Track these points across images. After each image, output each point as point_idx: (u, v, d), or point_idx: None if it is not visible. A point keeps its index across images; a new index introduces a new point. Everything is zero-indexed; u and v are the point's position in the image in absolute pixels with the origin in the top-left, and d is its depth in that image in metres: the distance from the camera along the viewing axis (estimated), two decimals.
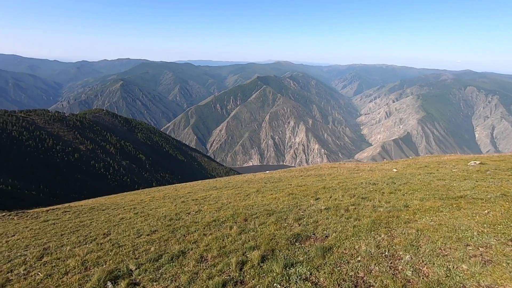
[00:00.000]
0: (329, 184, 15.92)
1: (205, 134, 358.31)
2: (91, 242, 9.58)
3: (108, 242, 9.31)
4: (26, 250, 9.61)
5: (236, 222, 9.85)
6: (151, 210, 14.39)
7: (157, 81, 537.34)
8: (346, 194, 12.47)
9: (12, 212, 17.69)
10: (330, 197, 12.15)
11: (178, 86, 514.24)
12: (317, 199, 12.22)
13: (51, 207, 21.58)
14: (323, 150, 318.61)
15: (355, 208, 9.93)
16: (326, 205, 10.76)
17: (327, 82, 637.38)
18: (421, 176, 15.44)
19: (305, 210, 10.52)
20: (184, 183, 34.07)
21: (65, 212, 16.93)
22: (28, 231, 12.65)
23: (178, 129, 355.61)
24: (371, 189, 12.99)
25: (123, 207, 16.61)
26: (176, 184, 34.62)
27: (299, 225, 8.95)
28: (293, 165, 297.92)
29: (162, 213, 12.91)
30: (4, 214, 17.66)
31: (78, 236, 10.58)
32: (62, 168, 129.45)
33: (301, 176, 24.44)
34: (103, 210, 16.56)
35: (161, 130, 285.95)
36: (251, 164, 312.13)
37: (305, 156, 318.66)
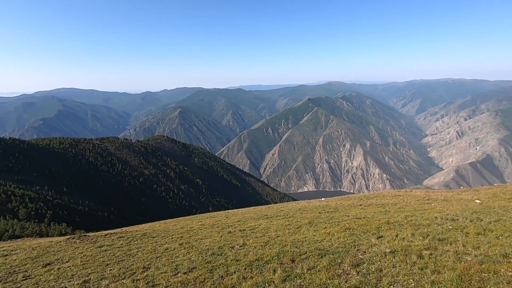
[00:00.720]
0: (394, 218, 14.02)
1: (258, 158, 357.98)
2: (129, 277, 9.35)
3: (143, 279, 8.97)
4: (70, 281, 9.76)
5: (281, 264, 8.86)
6: (196, 240, 13.86)
7: (211, 107, 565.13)
8: (417, 232, 10.60)
9: (76, 235, 18.44)
10: (397, 236, 10.45)
11: (231, 111, 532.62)
12: (380, 237, 10.68)
13: (109, 232, 22.34)
14: (384, 175, 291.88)
15: (431, 254, 8.14)
16: (392, 247, 9.13)
17: (384, 101, 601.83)
18: None
19: (365, 253, 9.09)
20: (237, 210, 33.12)
21: (120, 237, 17.05)
22: (80, 258, 12.86)
23: (232, 154, 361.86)
24: (450, 227, 11.02)
25: (172, 235, 16.18)
26: (229, 211, 33.41)
27: (358, 273, 7.60)
28: (351, 191, 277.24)
29: (206, 246, 12.33)
30: (69, 237, 18.29)
31: (120, 268, 10.40)
32: (129, 191, 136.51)
33: (360, 205, 22.28)
34: (153, 237, 16.31)
35: (216, 154, 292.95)
36: (306, 190, 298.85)
37: (365, 181, 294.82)
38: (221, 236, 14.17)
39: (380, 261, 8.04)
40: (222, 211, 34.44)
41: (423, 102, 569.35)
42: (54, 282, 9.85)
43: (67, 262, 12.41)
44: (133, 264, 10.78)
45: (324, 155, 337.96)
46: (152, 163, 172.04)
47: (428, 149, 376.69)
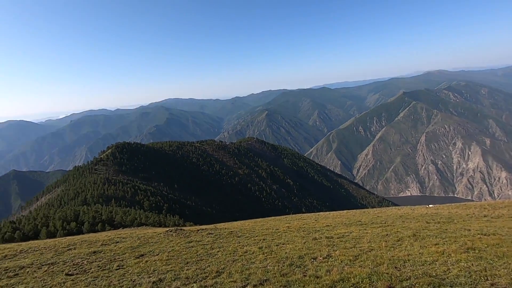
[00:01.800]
0: None
1: (349, 158, 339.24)
2: (200, 281, 9.00)
3: (211, 286, 8.41)
4: (150, 277, 9.85)
5: (383, 285, 6.62)
6: (277, 245, 12.74)
7: (296, 108, 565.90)
8: None
9: (173, 229, 19.07)
10: None
11: (317, 111, 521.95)
12: None
13: (202, 227, 22.44)
14: None
15: None
16: None
17: (507, 88, 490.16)
18: None
19: None
20: (328, 212, 30.99)
21: (209, 234, 17.08)
22: (168, 252, 13.15)
23: (321, 154, 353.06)
24: None
25: (256, 236, 15.40)
26: (320, 213, 31.23)
27: None
28: (469, 197, 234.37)
29: (286, 253, 11.02)
30: (168, 230, 18.91)
31: (196, 269, 10.18)
32: (227, 189, 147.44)
33: (485, 216, 17.99)
34: (238, 237, 15.76)
35: (305, 155, 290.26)
36: (409, 194, 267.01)
37: (487, 186, 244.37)
38: (305, 242, 12.70)
39: None
40: (312, 213, 32.49)
41: None
42: (136, 275, 10.11)
43: (156, 255, 12.81)
44: (209, 266, 10.49)
45: (429, 155, 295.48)
46: (245, 164, 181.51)
47: None
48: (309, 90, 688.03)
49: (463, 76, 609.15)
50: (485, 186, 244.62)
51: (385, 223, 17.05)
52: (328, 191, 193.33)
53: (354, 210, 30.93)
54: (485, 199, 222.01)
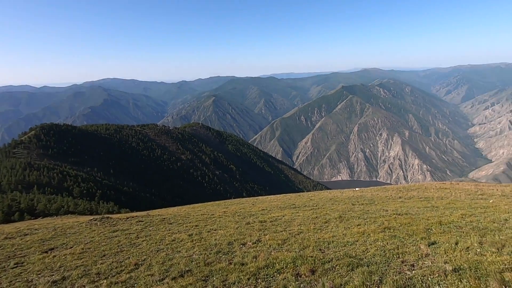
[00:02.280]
0: (446, 217, 11.07)
1: (290, 146, 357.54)
2: (112, 276, 8.15)
3: (122, 283, 7.64)
4: (52, 275, 8.73)
5: (297, 275, 6.68)
6: (209, 231, 12.29)
7: (244, 95, 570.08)
8: (486, 241, 7.51)
9: (98, 217, 17.91)
10: (457, 245, 7.45)
11: (263, 100, 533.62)
12: (433, 244, 7.85)
13: (133, 214, 21.44)
14: (425, 166, 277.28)
15: None
16: (454, 263, 6.21)
17: (426, 88, 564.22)
18: None
19: (413, 267, 6.42)
20: (266, 197, 31.67)
21: (139, 222, 16.15)
22: (84, 244, 12.07)
23: (264, 141, 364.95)
24: None
25: (189, 223, 14.75)
26: (258, 197, 31.80)
27: None
28: (388, 181, 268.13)
29: (215, 240, 10.73)
30: (92, 219, 17.63)
31: (112, 263, 9.31)
32: (168, 175, 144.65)
33: (400, 198, 19.55)
34: (170, 223, 15.04)
35: (249, 142, 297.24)
36: (340, 179, 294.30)
37: (403, 172, 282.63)
38: (237, 227, 12.40)
39: (440, 284, 5.44)
40: (252, 198, 33.14)
41: (470, 89, 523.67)
42: (36, 274, 8.95)
43: (69, 248, 11.58)
44: (128, 258, 9.59)
45: (359, 144, 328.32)
46: (189, 149, 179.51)
47: (475, 140, 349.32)
48: (257, 79, 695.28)
49: (392, 74, 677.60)
50: (401, 171, 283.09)
51: (316, 205, 17.68)
52: (268, 176, 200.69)
53: (291, 194, 31.99)
54: (400, 183, 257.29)
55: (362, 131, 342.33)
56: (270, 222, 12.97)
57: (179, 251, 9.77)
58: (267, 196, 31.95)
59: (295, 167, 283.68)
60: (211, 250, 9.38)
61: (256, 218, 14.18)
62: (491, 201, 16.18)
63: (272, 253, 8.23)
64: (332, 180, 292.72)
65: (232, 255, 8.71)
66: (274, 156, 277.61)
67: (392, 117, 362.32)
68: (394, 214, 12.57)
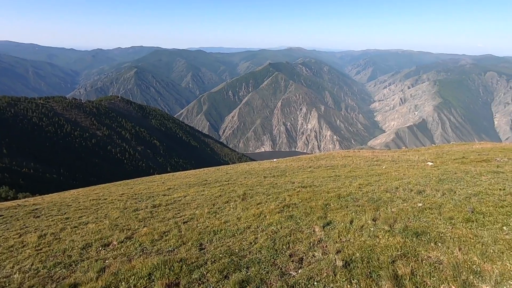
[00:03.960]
0: (346, 188, 11.36)
1: (217, 120, 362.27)
2: None
3: None
4: None
5: (162, 285, 5.20)
6: (76, 226, 10.13)
7: (170, 68, 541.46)
8: (379, 216, 7.36)
9: None
10: (351, 223, 7.16)
11: (191, 73, 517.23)
12: (328, 224, 7.38)
13: (14, 203, 18.35)
14: (335, 137, 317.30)
15: (413, 274, 4.67)
16: (346, 253, 5.61)
17: (341, 68, 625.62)
18: (487, 178, 10.95)
19: (301, 262, 5.59)
20: (183, 172, 31.05)
21: (31, 212, 13.82)
22: None
23: (191, 116, 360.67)
24: (421, 205, 8.04)
25: (63, 214, 12.73)
26: (175, 173, 30.38)
27: None
28: (305, 151, 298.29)
29: (71, 242, 8.40)
30: None
31: None
32: (80, 153, 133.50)
33: (309, 167, 20.71)
34: (37, 217, 12.68)
35: (175, 116, 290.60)
36: (263, 150, 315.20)
37: (317, 142, 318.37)
38: (118, 217, 10.66)
39: (329, 285, 4.74)
40: (168, 174, 32.08)
41: (374, 71, 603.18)
42: None
43: None
44: None
45: (282, 118, 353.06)
46: (106, 124, 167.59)
47: (375, 114, 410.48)
48: (185, 51, 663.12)
49: (314, 54, 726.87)
50: (316, 142, 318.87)
51: (228, 180, 17.43)
52: (194, 151, 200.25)
53: (210, 168, 31.17)
54: (315, 152, 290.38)
55: (285, 106, 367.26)
56: (165, 206, 11.86)
57: (4, 267, 7.13)
58: (184, 172, 31.09)
59: (221, 140, 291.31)
60: (50, 261, 7.11)
61: (153, 201, 13.03)
62: (384, 167, 17.30)
63: (132, 262, 6.36)
64: (256, 151, 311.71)
65: (72, 269, 6.58)
66: (200, 130, 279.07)
67: (312, 93, 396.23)
68: (299, 187, 12.71)
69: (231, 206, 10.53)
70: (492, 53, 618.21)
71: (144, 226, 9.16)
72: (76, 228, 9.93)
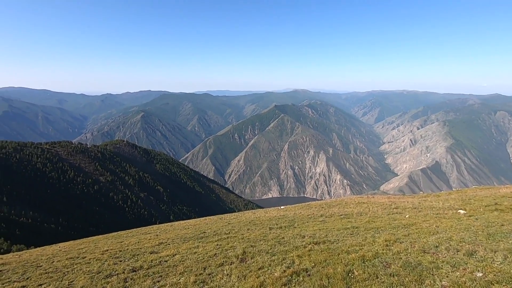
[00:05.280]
0: (369, 246, 9.14)
1: (223, 164, 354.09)
2: None
3: None
4: None
5: None
6: None
7: (176, 112, 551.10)
8: None
9: None
10: None
11: (197, 117, 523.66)
12: None
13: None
14: (345, 181, 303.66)
15: None
16: None
17: (347, 109, 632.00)
18: None
19: None
20: (181, 222, 29.46)
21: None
22: None
23: (196, 160, 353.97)
24: (485, 280, 5.76)
25: (36, 276, 11.69)
26: (173, 223, 29.21)
27: None
28: (314, 197, 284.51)
29: None
30: None
31: None
32: (81, 200, 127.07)
33: (321, 216, 18.90)
34: (13, 274, 12.51)
35: (180, 160, 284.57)
36: (270, 196, 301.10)
37: (327, 187, 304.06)
38: (88, 285, 9.57)
39: None
40: (164, 224, 30.61)
41: (381, 112, 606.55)
42: None
43: None
44: None
45: (289, 161, 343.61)
46: (109, 170, 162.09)
47: (385, 156, 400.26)
48: (192, 95, 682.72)
49: (319, 96, 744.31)
50: (326, 186, 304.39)
51: (229, 233, 15.88)
52: (199, 197, 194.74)
53: (212, 217, 30.10)
54: (324, 198, 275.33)
55: (292, 148, 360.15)
56: (146, 269, 10.31)
57: None
58: (184, 221, 29.86)
59: (227, 185, 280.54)
60: None
61: (135, 262, 11.61)
62: (407, 216, 15.50)
63: None
64: (263, 198, 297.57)
65: None
66: (206, 175, 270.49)
67: (319, 135, 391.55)
68: (310, 243, 10.76)
69: (225, 271, 8.85)
70: (499, 92, 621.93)
71: None
72: None
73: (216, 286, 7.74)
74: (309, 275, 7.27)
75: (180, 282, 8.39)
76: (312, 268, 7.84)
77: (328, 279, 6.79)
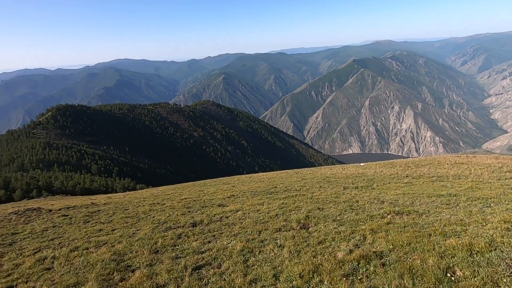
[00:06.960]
0: (479, 228, 6.30)
1: (301, 121, 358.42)
2: None
3: None
4: None
5: None
6: (99, 243, 8.80)
7: (254, 72, 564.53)
8: None
9: (21, 210, 15.42)
10: None
11: (273, 76, 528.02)
12: None
13: (72, 203, 18.21)
14: (437, 138, 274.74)
15: None
16: None
17: (440, 59, 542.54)
18: None
19: None
20: (258, 174, 28.78)
21: (63, 216, 13.55)
22: None
23: (275, 117, 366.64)
24: None
25: (118, 219, 12.00)
26: (250, 175, 28.45)
27: None
28: (399, 154, 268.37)
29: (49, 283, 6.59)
30: (13, 212, 15.11)
31: None
32: (182, 151, 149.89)
33: (407, 177, 15.83)
34: (86, 222, 12.19)
35: (260, 118, 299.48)
36: (351, 152, 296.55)
37: (415, 144, 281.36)
38: (138, 239, 8.73)
39: None
40: (246, 175, 29.46)
41: (487, 59, 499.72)
42: None
43: None
44: None
45: (371, 117, 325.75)
46: (201, 126, 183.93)
47: (491, 111, 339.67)
48: (266, 55, 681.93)
49: (406, 46, 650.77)
50: (413, 144, 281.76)
51: (299, 189, 14.59)
52: (280, 151, 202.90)
53: (288, 171, 28.38)
54: (412, 155, 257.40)
55: (374, 104, 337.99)
56: (205, 224, 9.62)
57: None
58: (262, 174, 29.05)
59: (306, 141, 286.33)
60: None
61: (201, 213, 11.26)
62: None
63: None
64: (343, 153, 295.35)
65: None
66: (285, 131, 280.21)
67: (405, 89, 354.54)
68: (390, 212, 8.50)
69: (279, 241, 7.26)
70: None
71: (148, 265, 6.70)
72: (75, 257, 7.75)
73: (263, 259, 6.32)
74: (383, 265, 5.10)
75: (227, 248, 7.24)
76: (390, 252, 5.62)
77: (413, 277, 4.54)
